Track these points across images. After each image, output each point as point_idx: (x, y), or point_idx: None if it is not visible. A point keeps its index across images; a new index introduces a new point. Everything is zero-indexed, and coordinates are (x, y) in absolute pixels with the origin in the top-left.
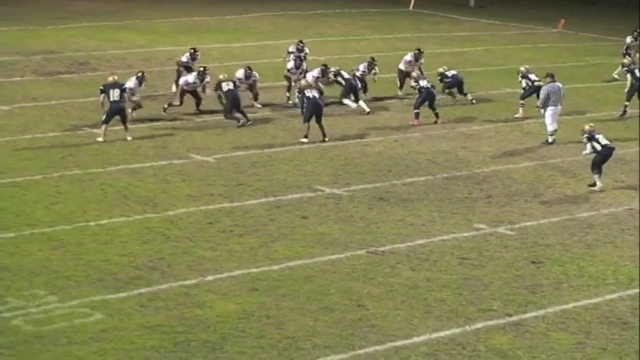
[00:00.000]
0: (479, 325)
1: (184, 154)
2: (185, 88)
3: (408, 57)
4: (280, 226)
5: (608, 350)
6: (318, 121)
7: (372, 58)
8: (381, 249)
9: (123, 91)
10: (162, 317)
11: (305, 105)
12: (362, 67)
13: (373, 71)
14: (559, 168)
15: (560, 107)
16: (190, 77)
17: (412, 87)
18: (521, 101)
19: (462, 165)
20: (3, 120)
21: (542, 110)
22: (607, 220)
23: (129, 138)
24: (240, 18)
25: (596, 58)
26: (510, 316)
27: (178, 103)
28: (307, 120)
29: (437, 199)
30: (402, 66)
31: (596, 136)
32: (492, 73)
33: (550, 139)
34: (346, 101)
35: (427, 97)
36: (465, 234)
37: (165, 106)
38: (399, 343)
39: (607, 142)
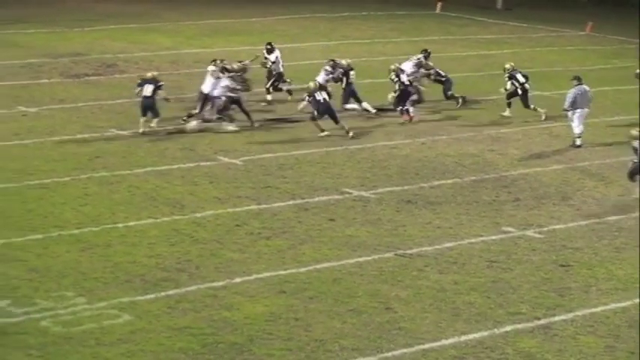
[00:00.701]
0: (507, 329)
1: (212, 156)
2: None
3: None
4: (308, 228)
5: (636, 354)
6: (336, 122)
7: (419, 58)
8: (409, 252)
9: (158, 88)
10: (190, 319)
11: (316, 108)
12: (408, 67)
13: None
14: (587, 171)
15: (587, 110)
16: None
17: (391, 79)
18: (532, 107)
19: (489, 168)
20: (31, 122)
21: (570, 113)
22: (636, 223)
23: (153, 125)
24: (267, 20)
25: (625, 61)
26: (539, 319)
27: (198, 111)
28: (317, 118)
29: (464, 202)
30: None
31: None
32: None
33: (578, 142)
34: (349, 105)
35: (403, 94)
36: (493, 237)
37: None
38: (427, 346)
39: None
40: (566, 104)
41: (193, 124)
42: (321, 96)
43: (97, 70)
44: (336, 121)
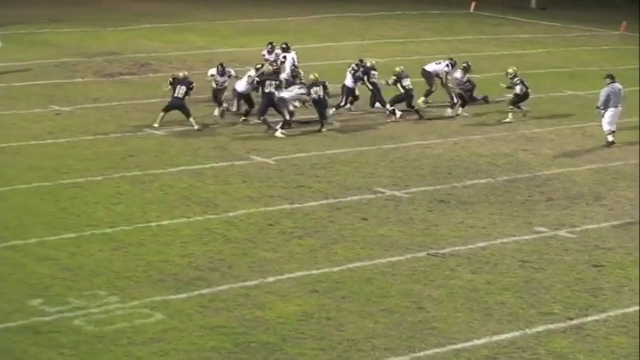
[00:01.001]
0: (539, 329)
1: (244, 155)
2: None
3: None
4: (340, 227)
5: None
6: (321, 119)
7: (467, 63)
8: (442, 251)
9: (190, 89)
10: (223, 318)
11: (312, 105)
12: (457, 74)
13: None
14: (621, 171)
15: (620, 109)
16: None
17: (392, 82)
18: (510, 107)
19: (522, 167)
20: (64, 121)
21: (602, 112)
22: None
23: (195, 127)
24: (301, 20)
25: None
26: (571, 319)
27: (235, 109)
28: (324, 117)
29: (497, 201)
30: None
31: None
32: (553, 76)
33: (610, 138)
34: (383, 107)
35: (405, 97)
36: (526, 237)
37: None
38: (459, 346)
39: None
40: (599, 102)
41: (280, 132)
42: (316, 94)
43: (130, 70)
44: (322, 118)
